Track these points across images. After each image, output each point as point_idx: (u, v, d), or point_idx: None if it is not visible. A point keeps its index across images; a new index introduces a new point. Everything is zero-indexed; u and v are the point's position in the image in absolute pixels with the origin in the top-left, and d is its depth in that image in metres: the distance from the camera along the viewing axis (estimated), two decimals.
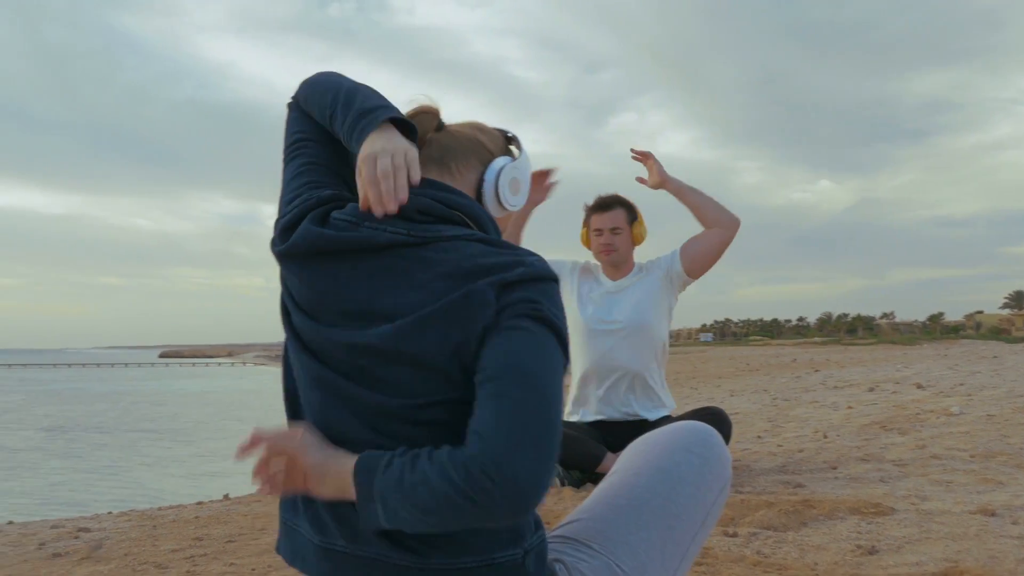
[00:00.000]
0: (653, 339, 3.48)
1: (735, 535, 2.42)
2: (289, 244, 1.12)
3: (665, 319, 3.54)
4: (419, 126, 1.24)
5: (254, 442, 1.05)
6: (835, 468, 3.60)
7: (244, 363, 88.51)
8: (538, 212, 3.42)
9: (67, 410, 22.67)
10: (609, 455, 3.22)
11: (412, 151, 1.14)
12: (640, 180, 3.49)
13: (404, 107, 1.25)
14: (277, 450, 1.05)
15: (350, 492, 1.01)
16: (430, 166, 1.21)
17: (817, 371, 14.86)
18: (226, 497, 5.37)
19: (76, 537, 3.31)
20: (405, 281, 1.06)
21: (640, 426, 3.35)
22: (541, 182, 3.29)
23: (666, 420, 3.40)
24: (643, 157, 3.47)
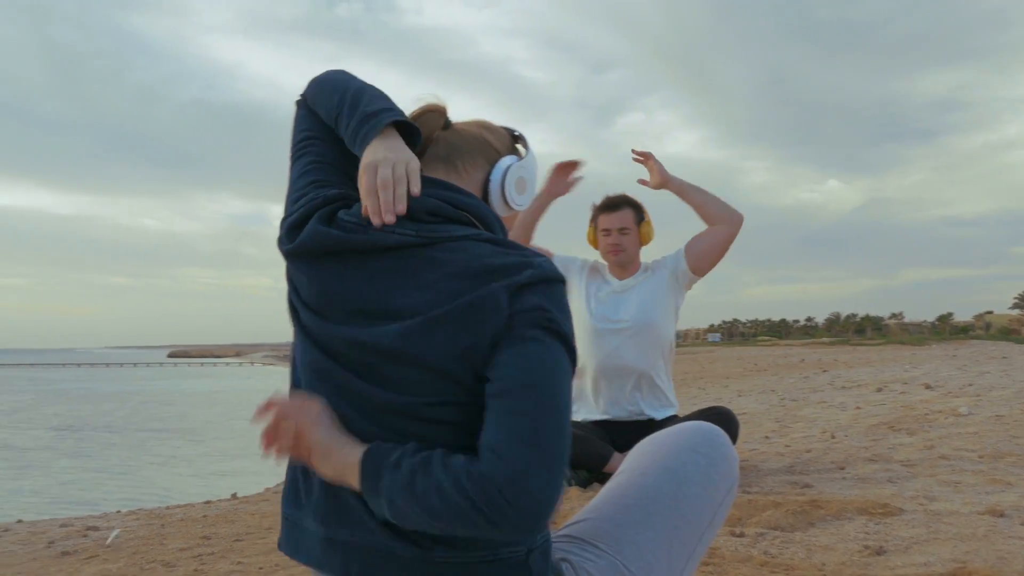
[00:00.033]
0: (660, 338, 3.48)
1: (742, 535, 2.41)
2: (297, 243, 1.12)
3: (672, 318, 3.54)
4: (426, 124, 1.24)
5: (269, 407, 1.07)
6: (843, 468, 3.59)
7: (252, 363, 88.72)
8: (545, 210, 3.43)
9: (76, 409, 22.77)
10: (616, 455, 3.21)
11: (414, 162, 1.14)
12: (642, 182, 3.49)
13: (411, 105, 1.25)
14: (287, 416, 1.06)
15: (350, 480, 1.02)
16: (437, 164, 1.22)
17: (825, 371, 14.81)
18: (234, 496, 5.39)
19: (85, 536, 3.33)
20: (413, 281, 1.06)
21: (647, 425, 3.35)
22: (565, 175, 3.30)
23: (673, 420, 3.40)
24: (644, 158, 3.47)
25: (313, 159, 1.24)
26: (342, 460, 1.02)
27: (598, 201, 3.61)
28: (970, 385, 8.32)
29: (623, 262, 3.55)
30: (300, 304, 1.13)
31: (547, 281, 1.05)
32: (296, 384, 1.15)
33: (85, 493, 8.65)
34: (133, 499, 7.35)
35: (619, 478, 1.27)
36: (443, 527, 0.97)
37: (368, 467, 1.00)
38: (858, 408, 6.71)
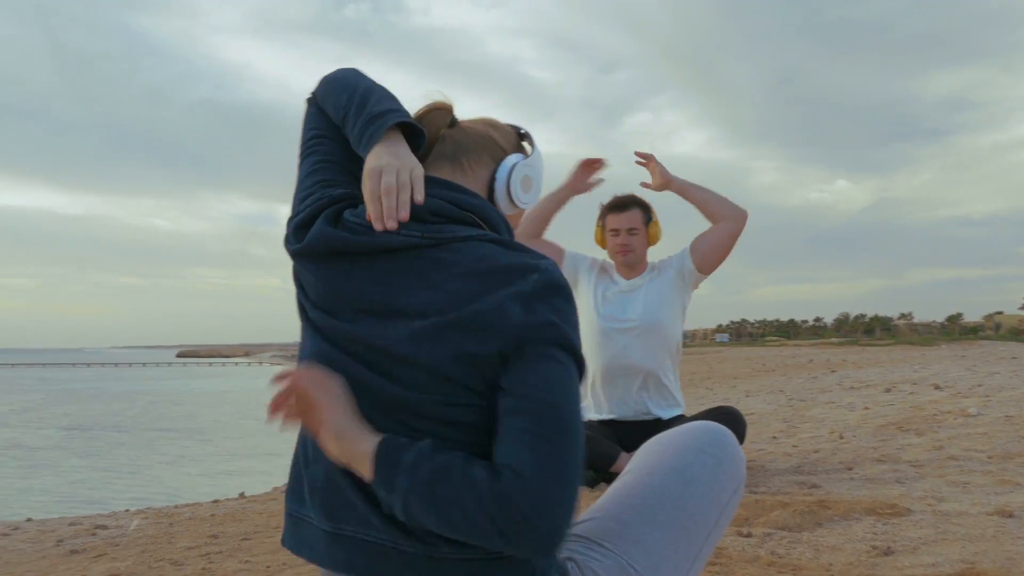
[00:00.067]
0: (667, 338, 3.48)
1: (749, 535, 2.41)
2: (304, 244, 1.13)
3: (679, 318, 3.53)
4: (432, 122, 1.24)
5: (285, 376, 1.06)
6: (851, 469, 3.58)
7: (261, 363, 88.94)
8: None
9: (86, 409, 22.87)
10: (623, 455, 3.21)
11: (418, 168, 1.14)
12: (644, 184, 3.49)
13: (418, 103, 1.26)
14: (303, 386, 1.05)
15: (360, 468, 1.02)
16: (443, 162, 1.22)
17: (834, 372, 14.75)
18: (242, 495, 5.41)
19: (94, 534, 3.34)
20: (420, 281, 1.07)
21: (654, 425, 3.35)
22: (589, 172, 3.31)
23: (680, 419, 3.39)
24: (646, 160, 3.47)
25: (321, 158, 1.24)
26: (354, 446, 1.02)
27: (606, 201, 3.61)
28: (979, 385, 8.28)
29: (631, 262, 3.55)
30: (308, 304, 1.14)
31: (554, 288, 1.05)
32: None
33: (94, 492, 8.70)
34: (142, 498, 7.39)
35: (626, 478, 1.27)
36: (453, 535, 0.98)
37: (382, 461, 1.00)
38: (866, 408, 6.69)
